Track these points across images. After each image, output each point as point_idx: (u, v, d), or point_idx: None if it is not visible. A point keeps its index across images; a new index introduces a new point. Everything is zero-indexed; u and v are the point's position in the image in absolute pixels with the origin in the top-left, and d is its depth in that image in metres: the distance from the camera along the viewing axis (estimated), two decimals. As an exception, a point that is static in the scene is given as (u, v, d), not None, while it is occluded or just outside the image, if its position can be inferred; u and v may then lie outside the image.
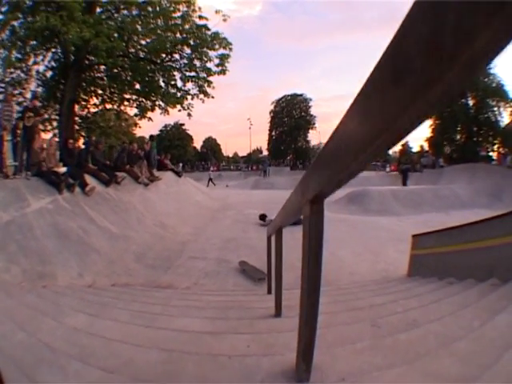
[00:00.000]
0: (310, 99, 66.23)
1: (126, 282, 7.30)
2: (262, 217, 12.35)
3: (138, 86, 23.26)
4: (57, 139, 11.66)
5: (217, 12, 21.77)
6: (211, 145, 75.08)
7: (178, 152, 57.82)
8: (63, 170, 10.49)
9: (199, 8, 22.03)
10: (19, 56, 20.85)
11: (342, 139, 1.13)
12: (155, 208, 12.75)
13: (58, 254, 7.37)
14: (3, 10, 19.93)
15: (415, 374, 2.08)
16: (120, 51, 20.54)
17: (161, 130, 60.10)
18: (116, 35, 20.30)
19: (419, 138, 44.51)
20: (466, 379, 1.93)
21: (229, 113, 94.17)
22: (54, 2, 18.50)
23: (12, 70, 21.17)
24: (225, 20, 21.66)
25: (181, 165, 45.34)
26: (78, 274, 7.17)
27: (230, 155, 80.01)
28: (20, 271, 6.53)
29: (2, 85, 21.41)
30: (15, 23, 19.90)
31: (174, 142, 59.95)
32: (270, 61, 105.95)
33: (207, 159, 63.60)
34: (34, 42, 20.14)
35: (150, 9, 21.61)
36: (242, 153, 78.52)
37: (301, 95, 66.36)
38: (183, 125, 51.20)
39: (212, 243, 10.45)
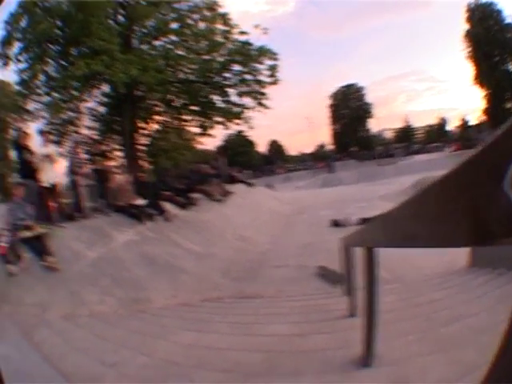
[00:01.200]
0: (363, 87, 64.97)
1: (216, 296, 7.79)
2: (335, 222, 12.57)
3: (194, 107, 24.04)
4: (128, 175, 12.46)
5: (256, 27, 22.62)
6: (275, 147, 75.28)
7: (242, 159, 58.38)
8: (141, 202, 11.07)
9: (236, 25, 22.94)
10: (64, 98, 22.24)
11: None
12: (233, 222, 13.08)
13: (150, 279, 8.00)
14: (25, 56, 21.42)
15: (445, 360, 2.87)
16: (170, 79, 21.57)
17: (224, 141, 61.31)
18: (162, 63, 21.33)
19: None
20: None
21: (285, 112, 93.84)
22: (89, 47, 19.76)
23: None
24: (265, 33, 22.45)
25: (249, 172, 45.75)
26: (172, 295, 7.78)
27: (295, 154, 79.66)
28: (115, 300, 7.13)
29: (53, 126, 22.61)
30: (47, 69, 21.77)
31: (237, 150, 60.56)
32: (314, 54, 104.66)
33: (273, 162, 63.86)
34: (77, 84, 21.13)
35: (188, 32, 22.59)
36: (306, 150, 78.39)
37: (353, 85, 65.16)
38: (242, 132, 53.89)
39: (290, 250, 10.78)
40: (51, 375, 3.91)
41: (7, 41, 21.01)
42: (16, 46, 21.33)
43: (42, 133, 14.32)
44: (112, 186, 11.52)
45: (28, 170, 9.18)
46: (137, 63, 19.56)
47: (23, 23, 20.77)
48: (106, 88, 23.41)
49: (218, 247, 10.58)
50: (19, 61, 21.51)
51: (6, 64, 21.48)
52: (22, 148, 9.33)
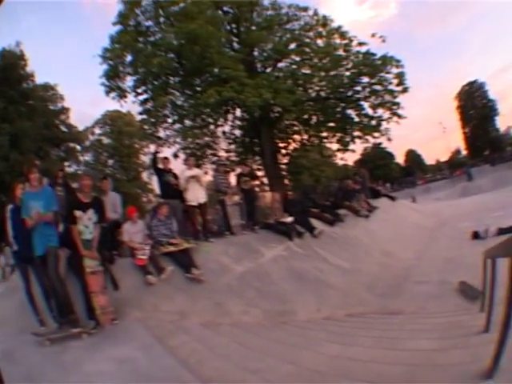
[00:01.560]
0: (484, 83, 61.11)
1: (360, 311, 7.79)
2: (475, 235, 11.96)
3: (331, 124, 24.22)
4: (275, 193, 12.96)
5: (372, 36, 22.72)
6: (412, 157, 72.89)
7: (382, 172, 57.34)
8: (289, 219, 11.21)
9: (354, 37, 23.20)
10: (196, 124, 24.00)
11: None
12: (378, 238, 13.10)
13: (296, 293, 8.14)
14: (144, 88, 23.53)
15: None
16: (303, 98, 22.03)
17: (362, 154, 60.58)
18: (291, 83, 21.91)
19: None
20: None
21: (416, 120, 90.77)
22: (213, 76, 21.35)
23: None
24: (384, 41, 22.44)
25: (388, 185, 45.07)
26: (316, 309, 7.82)
27: (432, 163, 76.33)
28: (260, 312, 7.34)
29: (188, 151, 24.33)
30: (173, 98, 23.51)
31: (376, 163, 59.57)
32: (429, 54, 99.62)
33: (412, 173, 61.98)
34: (209, 110, 22.69)
35: (308, 50, 23.03)
36: (442, 158, 74.87)
37: (474, 82, 61.83)
38: (380, 144, 52.18)
39: (432, 266, 10.59)
40: (187, 378, 4.17)
41: (113, 75, 23.18)
42: (127, 80, 23.85)
43: (186, 157, 15.43)
44: (260, 205, 12.08)
45: (171, 190, 9.79)
46: (267, 86, 20.37)
47: (128, 58, 22.91)
48: (238, 112, 24.90)
49: (363, 263, 10.66)
50: (138, 93, 23.88)
51: (122, 96, 23.98)
52: (163, 171, 10.01)
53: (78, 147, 45.58)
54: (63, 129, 42.95)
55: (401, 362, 4.05)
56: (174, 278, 7.53)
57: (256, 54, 24.51)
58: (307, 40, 23.71)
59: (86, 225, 6.47)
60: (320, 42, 23.93)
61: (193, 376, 4.21)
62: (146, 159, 45.47)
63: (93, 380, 4.39)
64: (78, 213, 6.45)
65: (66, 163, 38.30)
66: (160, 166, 10.14)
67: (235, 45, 24.33)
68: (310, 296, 8.15)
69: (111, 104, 56.23)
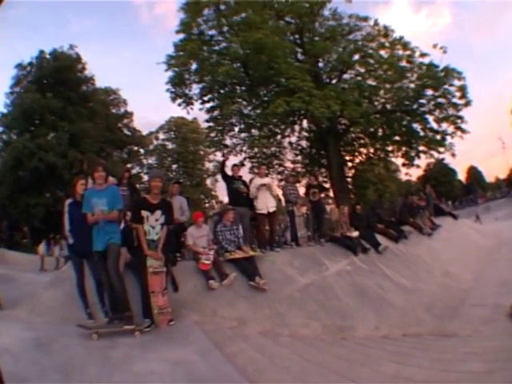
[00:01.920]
0: None
1: (416, 331, 7.70)
2: None
3: (397, 137, 23.89)
4: (343, 206, 13.00)
5: (434, 47, 22.14)
6: (474, 174, 70.63)
7: (445, 189, 55.86)
8: (355, 233, 11.15)
9: (416, 47, 22.90)
10: (263, 134, 24.18)
11: None
12: (440, 257, 12.84)
13: (357, 309, 8.00)
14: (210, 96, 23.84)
15: None
16: (370, 111, 21.71)
17: (425, 170, 59.08)
18: (357, 95, 21.63)
19: None
20: None
21: (477, 134, 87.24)
22: (280, 86, 21.40)
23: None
24: (445, 52, 21.85)
25: (450, 203, 43.91)
26: (375, 327, 7.73)
27: (492, 180, 73.50)
28: (320, 326, 7.23)
29: (255, 160, 24.69)
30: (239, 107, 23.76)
31: (439, 179, 58.21)
32: (488, 64, 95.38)
33: (473, 191, 60.01)
34: (276, 121, 22.79)
35: (371, 61, 22.90)
36: (501, 175, 71.50)
37: None
38: (443, 159, 50.16)
39: (489, 288, 10.44)
40: None
41: (178, 82, 23.72)
42: (193, 87, 24.33)
43: (258, 166, 15.57)
44: (327, 217, 11.91)
45: (240, 198, 9.87)
46: (335, 98, 20.26)
47: (193, 66, 23.41)
48: (305, 123, 25.04)
49: (424, 282, 10.51)
50: (204, 101, 24.32)
51: (188, 103, 24.55)
52: (232, 178, 10.11)
53: (142, 150, 47.71)
54: (126, 132, 44.89)
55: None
56: (236, 284, 7.55)
57: (321, 64, 24.52)
58: (370, 51, 23.50)
59: (153, 225, 6.55)
60: (383, 52, 23.72)
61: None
62: (210, 166, 45.28)
63: (142, 380, 4.36)
64: (145, 213, 6.54)
65: (129, 165, 39.45)
66: (229, 173, 10.32)
67: (299, 55, 24.39)
68: (369, 313, 8.09)
69: (174, 111, 57.81)
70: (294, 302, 7.66)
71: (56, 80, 36.63)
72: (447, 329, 7.85)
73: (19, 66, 38.24)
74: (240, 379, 4.33)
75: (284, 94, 20.64)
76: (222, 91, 24.08)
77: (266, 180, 10.40)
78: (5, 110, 37.95)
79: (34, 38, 74.55)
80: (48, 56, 38.07)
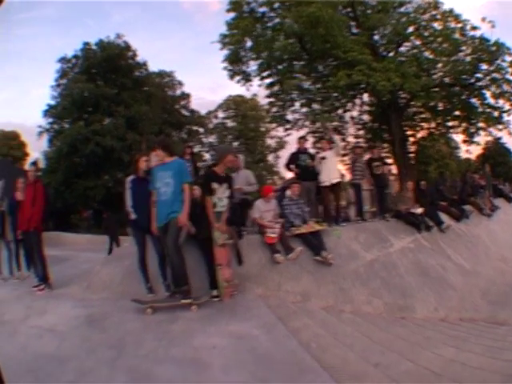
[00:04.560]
0: None
1: (471, 316, 7.63)
2: None
3: (457, 112, 23.49)
4: (408, 182, 12.70)
5: (482, 20, 21.67)
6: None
7: (502, 169, 53.91)
8: (419, 210, 10.87)
9: (467, 20, 22.41)
10: (325, 109, 24.13)
11: None
12: (497, 240, 12.57)
13: (418, 289, 7.93)
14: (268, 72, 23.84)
15: None
16: (429, 84, 21.16)
17: (483, 149, 57.43)
18: (415, 68, 21.20)
19: None
20: None
21: None
22: (338, 59, 21.12)
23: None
24: (493, 26, 21.29)
25: (507, 184, 42.49)
26: (434, 309, 7.64)
27: None
28: (381, 304, 7.25)
29: (317, 135, 24.45)
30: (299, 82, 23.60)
31: (497, 159, 56.26)
32: None
33: (526, 173, 57.18)
34: (337, 94, 22.85)
35: (426, 34, 22.35)
36: None
37: None
38: (500, 139, 48.40)
39: None
40: (309, 364, 4.09)
41: (235, 59, 24.04)
42: (250, 64, 24.62)
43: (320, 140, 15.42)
44: (392, 192, 11.92)
45: (305, 171, 9.96)
46: (394, 70, 20.00)
47: (247, 43, 23.53)
48: (366, 97, 24.92)
49: (482, 265, 10.33)
50: (263, 77, 24.53)
51: (247, 80, 24.91)
52: (298, 153, 10.29)
53: (201, 130, 48.71)
54: (185, 113, 45.99)
55: (501, 371, 4.41)
56: (301, 259, 7.59)
57: (376, 37, 24.04)
58: (423, 23, 22.89)
59: (220, 197, 6.72)
60: (435, 25, 23.09)
61: (315, 362, 4.13)
62: (272, 142, 48.21)
63: (202, 355, 4.33)
64: (214, 185, 6.68)
65: (190, 144, 40.62)
66: (298, 147, 10.55)
67: (354, 29, 24.17)
68: (430, 293, 8.02)
69: (231, 90, 58.72)
70: (358, 278, 7.67)
71: (106, 68, 38.24)
72: (499, 316, 7.77)
73: (63, 60, 40.09)
74: (305, 356, 4.30)
75: (343, 68, 20.53)
76: (279, 67, 24.15)
77: (328, 153, 10.22)
78: (52, 102, 39.54)
79: (73, 32, 77.22)
80: (94, 47, 39.56)
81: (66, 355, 4.39)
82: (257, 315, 5.68)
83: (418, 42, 23.29)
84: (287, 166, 10.61)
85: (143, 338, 4.91)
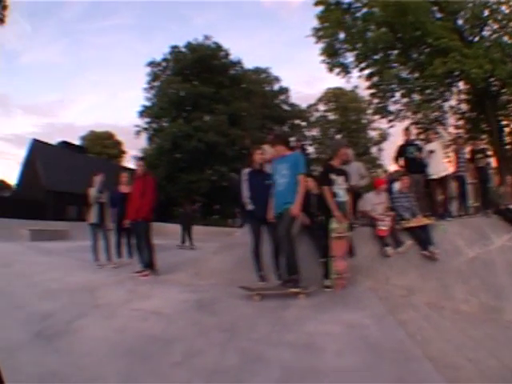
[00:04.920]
0: None
1: None
2: None
3: None
4: (510, 177, 11.94)
5: None
6: None
7: None
8: None
9: None
10: (425, 98, 23.65)
11: None
12: None
13: (510, 290, 7.44)
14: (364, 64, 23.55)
15: None
16: None
17: None
18: (500, 54, 20.07)
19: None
20: None
21: None
22: (430, 46, 20.48)
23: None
24: None
25: None
26: None
27: None
28: (477, 303, 6.94)
29: (420, 126, 24.21)
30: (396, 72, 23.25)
31: None
32: None
33: None
34: (434, 83, 22.07)
35: (499, 17, 21.01)
36: None
37: None
38: None
39: None
40: (415, 354, 4.14)
41: (332, 52, 24.15)
42: (346, 56, 24.62)
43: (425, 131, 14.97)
44: (494, 187, 11.40)
45: (414, 164, 9.78)
46: (483, 57, 19.11)
47: (341, 36, 23.58)
48: (461, 85, 23.96)
49: None
50: (362, 68, 24.45)
51: (346, 72, 25.03)
52: (405, 146, 10.07)
53: (303, 123, 50.17)
54: (285, 107, 47.54)
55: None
56: (408, 252, 7.64)
57: (460, 22, 22.73)
58: (494, 6, 21.24)
59: (340, 188, 6.90)
60: (504, 8, 21.31)
61: (420, 352, 4.22)
62: (374, 134, 48.44)
63: (316, 340, 4.42)
64: (333, 176, 6.93)
65: (292, 138, 41.37)
66: (406, 139, 10.36)
67: (437, 14, 22.82)
68: None
69: (327, 82, 58.88)
70: (460, 275, 7.41)
71: (199, 69, 40.85)
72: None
73: (152, 64, 43.35)
74: (411, 346, 4.35)
75: (436, 55, 19.92)
76: (375, 57, 23.90)
77: (434, 145, 10.00)
78: (147, 103, 42.99)
79: (156, 37, 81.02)
80: (183, 49, 42.13)
81: (172, 337, 4.55)
82: (368, 306, 5.78)
83: (495, 26, 21.78)
84: (395, 159, 10.44)
85: (256, 323, 5.05)
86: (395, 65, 24.12)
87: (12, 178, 58.54)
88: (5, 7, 35.76)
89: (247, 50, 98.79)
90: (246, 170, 7.69)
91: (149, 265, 8.82)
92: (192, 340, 4.46)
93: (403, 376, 3.67)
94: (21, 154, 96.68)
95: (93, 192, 10.31)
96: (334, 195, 6.82)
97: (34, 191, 34.41)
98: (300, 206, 6.36)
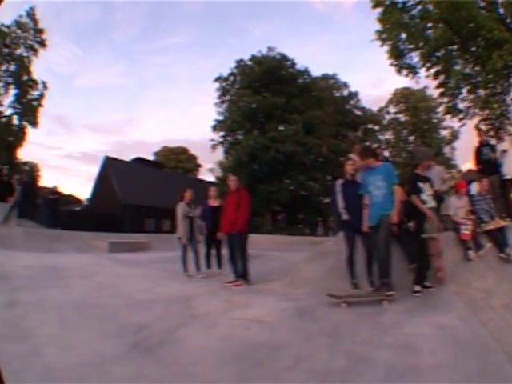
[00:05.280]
0: None
1: None
2: None
3: None
4: None
5: None
6: None
7: None
8: None
9: None
10: (489, 93, 23.10)
11: None
12: None
13: None
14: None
15: None
16: None
17: None
18: None
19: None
20: None
21: None
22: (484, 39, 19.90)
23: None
24: None
25: None
26: None
27: None
28: None
29: (487, 122, 23.65)
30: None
31: None
32: None
33: None
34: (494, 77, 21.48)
35: None
36: None
37: None
38: None
39: None
40: (492, 347, 4.41)
41: (397, 54, 23.70)
42: (410, 56, 24.00)
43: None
44: None
45: (488, 165, 9.82)
46: None
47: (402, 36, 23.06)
48: None
49: None
50: (428, 67, 23.92)
51: (413, 73, 24.50)
52: (481, 146, 10.11)
53: (376, 127, 49.99)
54: (357, 112, 47.67)
55: None
56: (486, 256, 7.72)
57: (501, 10, 21.64)
58: None
59: (428, 195, 7.15)
60: None
61: (498, 347, 4.42)
62: (446, 133, 47.31)
63: (413, 340, 4.69)
64: (420, 184, 7.23)
65: (367, 143, 41.30)
66: (480, 140, 10.32)
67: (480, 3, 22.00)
68: None
69: (395, 82, 58.21)
70: None
71: (268, 81, 41.44)
72: None
73: (219, 79, 44.41)
74: (491, 342, 4.62)
75: (491, 48, 19.55)
76: (437, 54, 23.38)
77: (505, 145, 10.02)
78: (219, 117, 44.09)
79: (219, 52, 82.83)
80: (249, 63, 43.15)
81: (279, 343, 4.75)
82: (454, 309, 6.04)
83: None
84: (475, 162, 10.51)
85: (356, 328, 5.33)
86: (458, 60, 23.66)
87: (82, 193, 61.36)
88: (40, 31, 37.84)
89: (309, 58, 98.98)
90: (339, 182, 8.01)
91: (242, 275, 9.09)
92: (299, 345, 4.66)
93: (483, 366, 3.97)
94: (89, 170, 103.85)
95: (182, 207, 10.70)
96: (423, 203, 7.06)
97: (109, 205, 35.83)
98: (398, 215, 6.79)
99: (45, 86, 38.08)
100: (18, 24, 36.30)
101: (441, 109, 27.80)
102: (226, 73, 44.42)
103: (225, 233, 9.43)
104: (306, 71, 43.68)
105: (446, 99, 25.10)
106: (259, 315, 6.07)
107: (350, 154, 8.56)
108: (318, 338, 4.94)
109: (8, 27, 35.72)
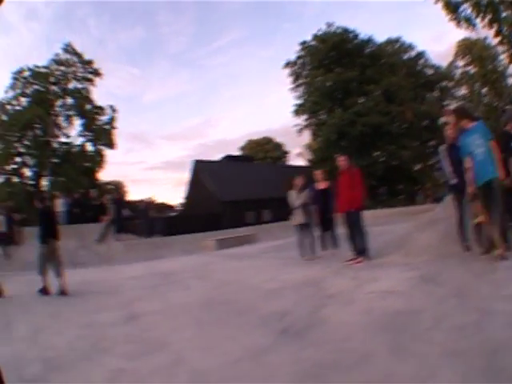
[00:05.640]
0: None
1: None
2: None
3: None
4: None
5: None
6: None
7: None
8: None
9: None
10: None
11: None
12: None
13: None
14: None
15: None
16: None
17: None
18: None
19: None
20: None
21: None
22: None
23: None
24: None
25: None
26: None
27: None
28: None
29: None
30: None
31: None
32: None
33: None
34: None
35: None
36: None
37: None
38: None
39: None
40: None
41: (451, 8, 22.57)
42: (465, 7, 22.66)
43: None
44: None
45: None
46: None
47: None
48: None
49: None
50: (483, 16, 22.32)
51: (473, 25, 22.93)
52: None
53: (450, 84, 48.66)
54: (429, 72, 46.81)
55: None
56: None
57: None
58: None
59: None
60: None
61: None
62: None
63: None
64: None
65: (445, 102, 40.21)
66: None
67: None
68: None
69: (455, 34, 56.10)
70: None
71: (337, 56, 41.68)
72: None
73: (288, 64, 45.08)
74: None
75: None
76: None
77: None
78: (297, 101, 44.82)
79: (275, 40, 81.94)
80: (312, 43, 43.40)
81: (415, 309, 5.11)
82: None
83: None
84: None
85: (477, 287, 5.61)
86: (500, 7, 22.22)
87: (172, 200, 63.19)
88: (88, 62, 39.69)
89: (364, 25, 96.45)
90: (443, 147, 8.22)
91: (362, 251, 9.46)
92: (433, 308, 5.01)
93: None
94: (174, 177, 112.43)
95: (294, 195, 11.44)
96: None
97: (206, 205, 37.09)
98: (504, 170, 6.72)
99: (113, 110, 40.78)
100: (58, 62, 38.63)
101: (504, 56, 26.74)
102: (292, 57, 44.96)
103: (342, 212, 9.81)
104: (370, 40, 43.48)
105: (505, 47, 24.19)
106: (389, 286, 6.43)
107: (444, 118, 8.63)
108: (447, 300, 5.23)
109: (46, 67, 38.10)
